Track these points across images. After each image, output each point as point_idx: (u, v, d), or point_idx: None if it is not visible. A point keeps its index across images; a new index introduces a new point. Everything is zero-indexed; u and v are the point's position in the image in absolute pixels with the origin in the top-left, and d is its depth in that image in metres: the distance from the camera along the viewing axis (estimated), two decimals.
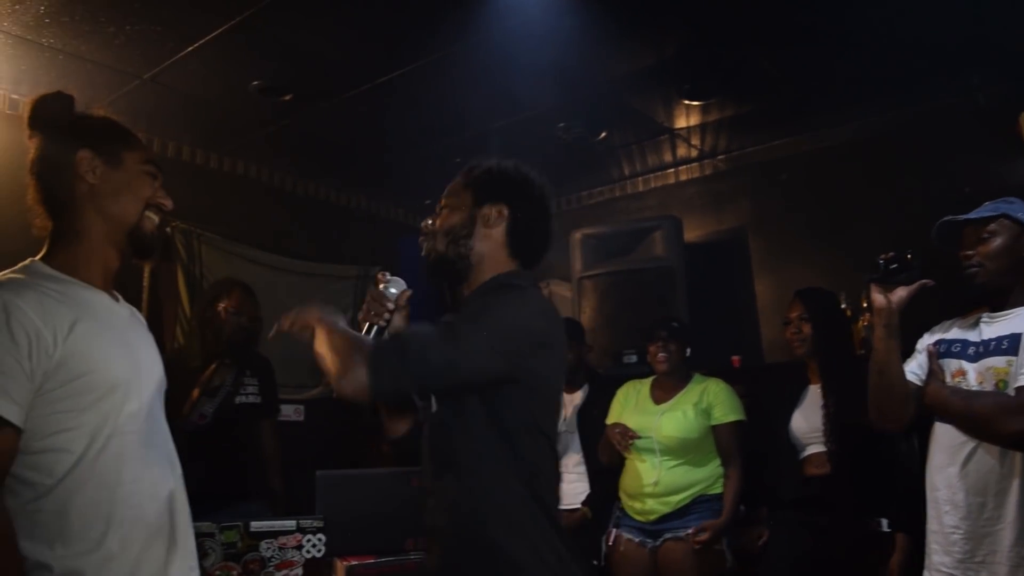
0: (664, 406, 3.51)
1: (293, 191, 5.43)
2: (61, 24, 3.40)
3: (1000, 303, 2.30)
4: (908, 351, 2.44)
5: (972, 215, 2.31)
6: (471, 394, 1.65)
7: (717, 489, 3.40)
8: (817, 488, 3.08)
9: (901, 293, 2.27)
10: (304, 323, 1.67)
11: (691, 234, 4.81)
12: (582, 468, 3.75)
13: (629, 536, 3.45)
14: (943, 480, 2.28)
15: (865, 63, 3.85)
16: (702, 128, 4.70)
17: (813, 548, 3.03)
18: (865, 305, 3.19)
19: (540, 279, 5.25)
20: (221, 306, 3.51)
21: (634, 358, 4.19)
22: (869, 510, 2.98)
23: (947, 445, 2.29)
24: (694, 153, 5.09)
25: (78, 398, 1.48)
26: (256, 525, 2.32)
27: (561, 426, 3.78)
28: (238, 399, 3.45)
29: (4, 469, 1.40)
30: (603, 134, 4.76)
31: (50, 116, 1.68)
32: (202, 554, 2.13)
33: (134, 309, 1.77)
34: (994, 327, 2.29)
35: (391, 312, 1.81)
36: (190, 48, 3.61)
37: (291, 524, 2.37)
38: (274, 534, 2.33)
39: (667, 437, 3.41)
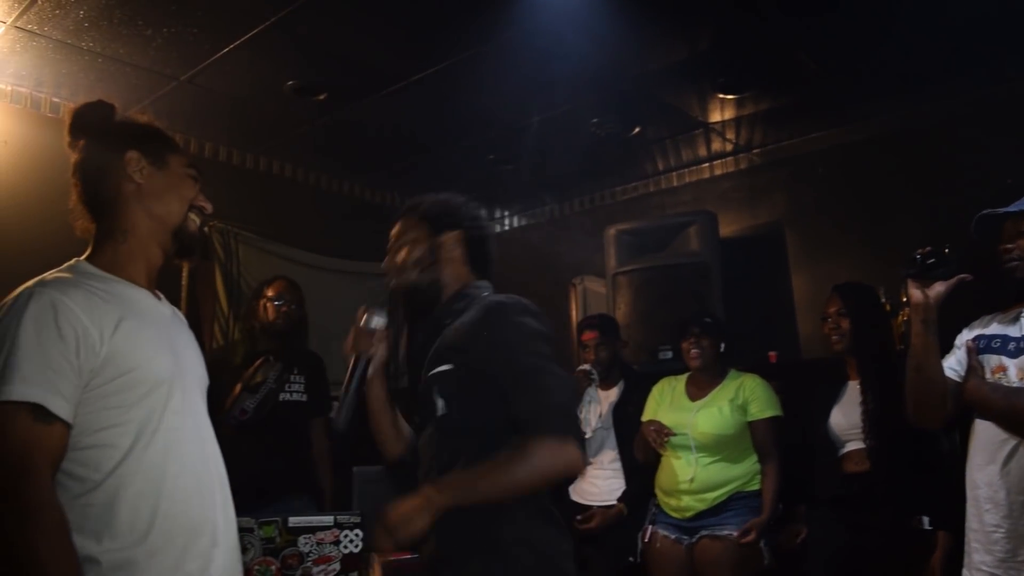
0: (700, 402, 3.49)
1: (328, 189, 5.48)
2: (100, 28, 3.45)
3: None
4: (947, 347, 2.41)
5: (1012, 208, 2.27)
6: (496, 400, 1.73)
7: (754, 486, 3.37)
8: (856, 485, 3.05)
9: (939, 288, 2.24)
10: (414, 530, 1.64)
11: (726, 229, 4.77)
12: (617, 465, 3.74)
13: (665, 533, 3.44)
14: (984, 478, 2.25)
15: (902, 54, 3.79)
16: (737, 122, 4.65)
17: (853, 546, 3.00)
18: (904, 300, 3.14)
19: (574, 275, 5.26)
20: (264, 295, 3.57)
21: (669, 354, 4.17)
22: (910, 508, 2.94)
23: (987, 442, 2.26)
24: (729, 147, 5.04)
25: (124, 395, 1.51)
26: (294, 521, 2.34)
27: (596, 423, 3.78)
28: (282, 396, 3.47)
29: (55, 464, 1.43)
30: (637, 129, 4.73)
31: (93, 123, 1.72)
32: (241, 549, 2.16)
33: (175, 308, 1.81)
34: None
35: (375, 343, 2.00)
36: (226, 49, 3.66)
37: (329, 520, 2.39)
38: (312, 530, 2.35)
39: (703, 434, 3.39)
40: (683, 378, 3.65)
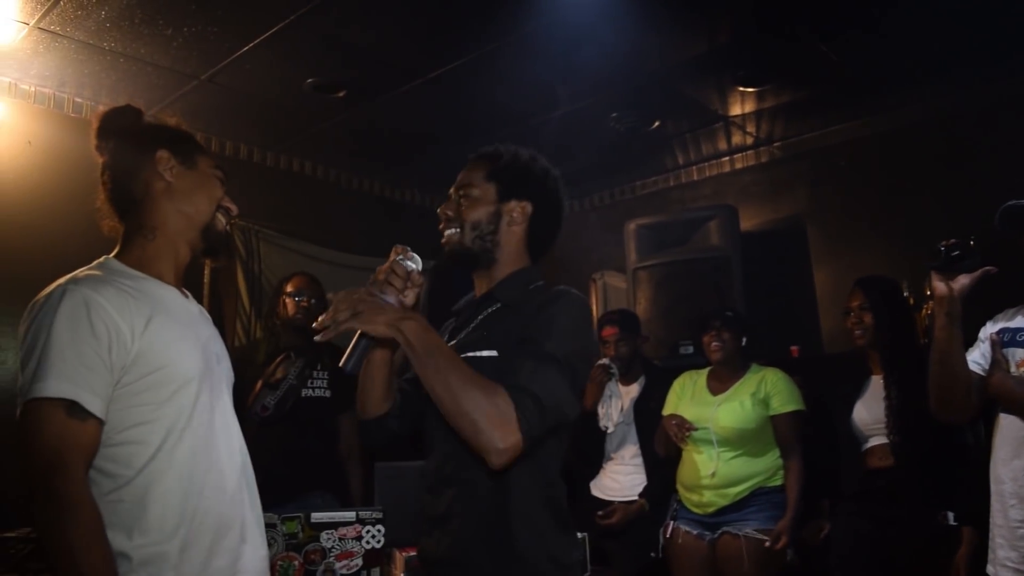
0: (721, 397, 3.48)
1: (348, 186, 5.50)
2: (121, 28, 3.48)
3: None
4: (971, 340, 2.38)
5: None
6: None
7: (776, 481, 3.35)
8: (880, 481, 3.03)
9: (963, 281, 2.22)
10: (373, 323, 1.56)
11: (747, 223, 4.75)
12: (639, 460, 3.73)
13: (687, 528, 3.43)
14: (1008, 473, 2.23)
15: (925, 44, 3.75)
16: (757, 115, 4.63)
17: (877, 542, 2.98)
18: (928, 293, 3.12)
19: (594, 271, 5.25)
20: (284, 291, 3.59)
21: (690, 349, 4.16)
22: (934, 503, 2.92)
23: (1012, 437, 2.23)
24: (749, 140, 5.02)
25: (154, 392, 1.53)
26: (316, 516, 2.36)
27: (618, 418, 3.77)
28: (304, 392, 3.48)
29: (89, 460, 1.45)
30: (656, 123, 4.72)
31: (122, 125, 1.75)
32: None
33: (201, 306, 1.82)
34: None
35: (406, 287, 1.69)
36: (245, 48, 3.68)
37: (351, 515, 2.41)
38: (334, 525, 2.37)
39: (724, 428, 3.38)
40: (704, 372, 3.64)
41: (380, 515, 2.44)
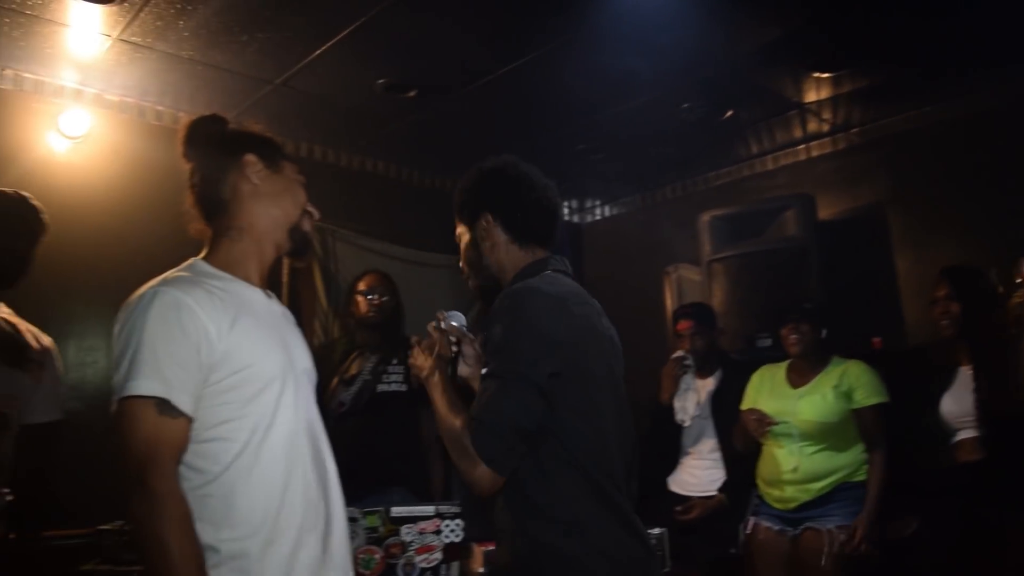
0: (801, 390, 3.41)
1: (420, 184, 5.55)
2: (199, 37, 3.58)
3: None
4: None
5: None
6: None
7: (861, 476, 3.26)
8: (969, 475, 2.94)
9: None
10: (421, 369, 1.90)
11: (824, 212, 4.64)
12: (717, 454, 3.68)
13: (768, 524, 3.37)
14: None
15: (1010, 22, 3.59)
16: (833, 101, 4.51)
17: (965, 538, 2.89)
18: (1018, 281, 3.00)
19: (668, 264, 5.20)
20: (357, 290, 3.64)
21: (768, 342, 4.08)
22: None
23: None
24: (825, 127, 4.89)
25: (240, 390, 1.57)
26: (397, 510, 2.39)
27: (694, 411, 3.73)
28: (379, 387, 3.52)
29: (179, 456, 1.49)
30: (729, 113, 4.64)
31: (209, 132, 1.81)
32: None
33: (284, 308, 1.87)
34: None
35: (458, 343, 1.96)
36: (317, 52, 3.74)
37: (430, 510, 2.43)
38: (414, 519, 2.40)
39: (805, 422, 3.31)
40: (783, 365, 3.57)
41: (459, 509, 2.45)
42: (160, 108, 4.31)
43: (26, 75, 3.90)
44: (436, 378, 1.84)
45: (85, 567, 2.64)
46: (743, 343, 4.24)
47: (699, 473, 3.72)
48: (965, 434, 2.99)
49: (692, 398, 3.76)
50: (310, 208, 1.87)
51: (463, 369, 1.99)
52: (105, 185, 4.05)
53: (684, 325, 3.80)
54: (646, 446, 1.82)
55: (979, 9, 3.49)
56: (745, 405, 3.53)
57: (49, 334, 2.69)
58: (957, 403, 3.00)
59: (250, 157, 1.77)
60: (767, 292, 4.19)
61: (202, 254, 1.76)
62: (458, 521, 2.43)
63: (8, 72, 3.85)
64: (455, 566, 2.43)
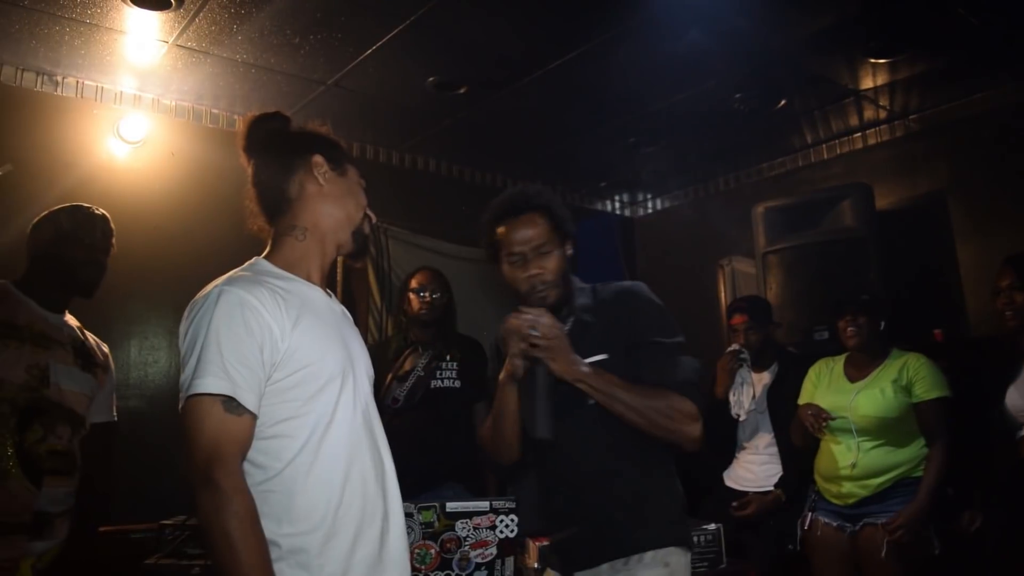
0: (859, 384, 3.34)
1: (472, 181, 5.58)
2: (252, 40, 3.63)
3: None
4: None
5: None
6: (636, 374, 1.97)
7: (921, 472, 3.18)
8: None
9: None
10: (561, 366, 1.93)
11: (882, 201, 4.54)
12: (773, 449, 3.64)
13: (826, 520, 3.32)
14: None
15: None
16: (891, 87, 4.41)
17: None
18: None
19: (722, 256, 5.14)
20: (409, 287, 3.67)
21: (825, 335, 4.01)
22: None
23: None
24: (883, 115, 4.79)
25: (302, 388, 1.59)
26: (452, 506, 2.40)
27: (749, 405, 3.69)
28: (433, 384, 3.55)
29: (244, 453, 1.52)
30: (783, 102, 4.56)
31: (271, 130, 1.84)
32: None
33: (343, 307, 1.89)
34: None
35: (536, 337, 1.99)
36: (368, 51, 3.77)
37: (485, 505, 2.44)
38: (469, 514, 2.41)
39: (864, 417, 3.24)
40: (841, 359, 3.50)
41: (514, 505, 2.46)
42: (215, 111, 4.39)
43: (87, 82, 4.01)
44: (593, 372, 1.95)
45: (148, 561, 2.70)
46: (800, 336, 4.17)
47: (755, 468, 3.68)
48: None
49: (747, 392, 3.71)
50: (370, 212, 1.89)
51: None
52: (163, 188, 4.15)
53: (738, 320, 3.76)
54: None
55: None
56: (802, 400, 3.48)
57: (112, 335, 2.77)
58: (1022, 396, 2.92)
59: (318, 158, 1.79)
60: (824, 284, 4.12)
61: (264, 253, 1.78)
62: (512, 516, 2.44)
63: (70, 80, 3.97)
64: (510, 561, 2.43)
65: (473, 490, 3.51)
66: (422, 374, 3.54)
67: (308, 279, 1.75)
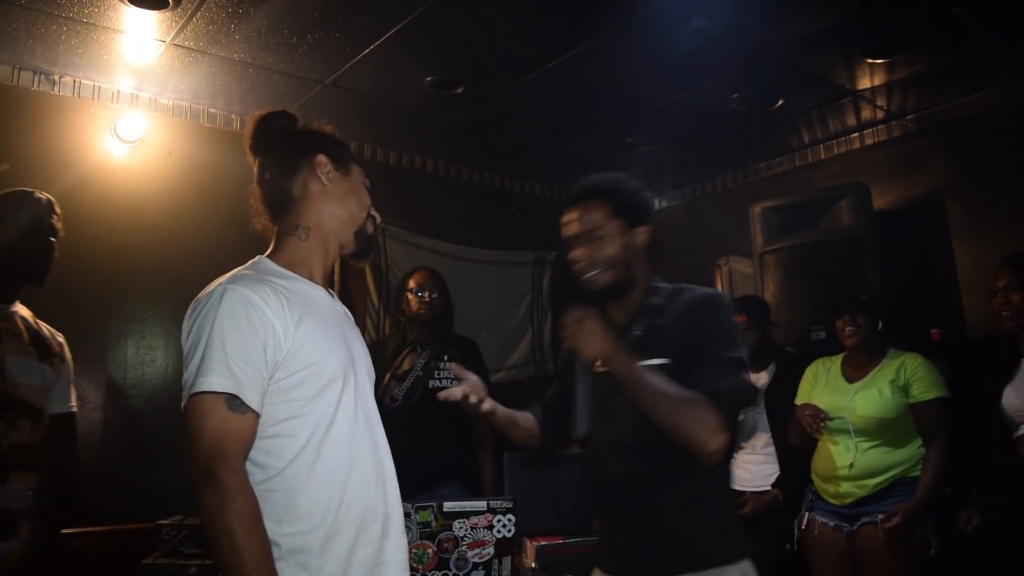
0: (857, 384, 3.34)
1: (469, 181, 5.58)
2: (249, 40, 3.63)
3: None
4: None
5: None
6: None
7: (919, 472, 3.18)
8: None
9: None
10: (595, 351, 1.85)
11: (880, 201, 4.54)
12: (771, 449, 3.64)
13: (824, 520, 3.31)
14: None
15: None
16: (888, 87, 4.42)
17: None
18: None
19: (719, 256, 5.15)
20: (407, 287, 3.67)
21: (823, 334, 4.01)
22: None
23: None
24: (880, 115, 4.79)
25: (304, 388, 1.59)
26: (449, 506, 2.41)
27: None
28: (431, 383, 3.54)
29: (246, 451, 1.52)
30: (780, 102, 4.57)
31: (277, 129, 1.83)
32: None
33: (345, 307, 1.89)
34: None
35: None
36: (366, 51, 3.77)
37: (482, 505, 2.44)
38: (466, 514, 2.41)
39: (861, 417, 3.24)
40: (838, 359, 3.50)
41: (511, 504, 2.46)
42: (213, 111, 4.39)
43: (84, 81, 4.01)
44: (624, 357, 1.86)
45: (145, 561, 2.69)
46: (797, 336, 4.17)
47: (753, 468, 3.68)
48: None
49: None
50: (373, 212, 1.89)
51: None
52: (160, 188, 4.15)
53: (736, 319, 3.75)
54: None
55: None
56: (799, 400, 3.48)
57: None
58: (1019, 396, 2.92)
59: (322, 158, 1.79)
60: (821, 284, 4.11)
61: (267, 251, 1.78)
62: (510, 516, 2.44)
63: (67, 79, 3.96)
64: (507, 561, 2.43)
65: (471, 489, 3.51)
66: (421, 374, 3.54)
67: (310, 278, 1.75)
